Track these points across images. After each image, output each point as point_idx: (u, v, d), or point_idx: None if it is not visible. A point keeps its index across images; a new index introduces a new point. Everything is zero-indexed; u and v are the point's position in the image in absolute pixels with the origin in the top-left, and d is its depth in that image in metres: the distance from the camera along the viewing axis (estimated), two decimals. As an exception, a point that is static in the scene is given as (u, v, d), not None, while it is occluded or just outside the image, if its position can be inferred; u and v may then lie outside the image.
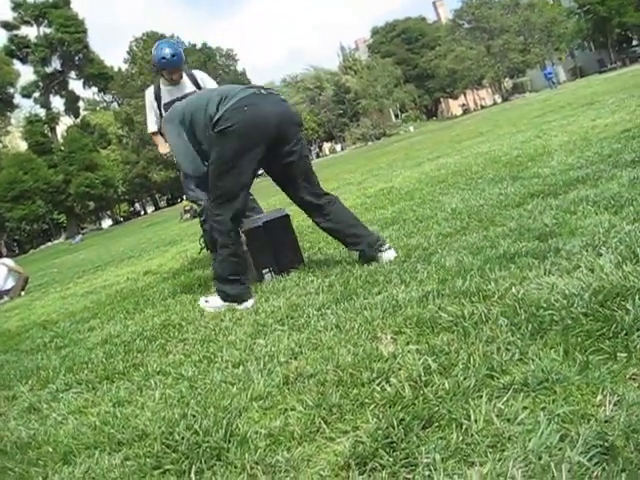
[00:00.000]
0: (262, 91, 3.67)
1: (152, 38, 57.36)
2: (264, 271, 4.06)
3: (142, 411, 2.27)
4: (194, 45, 63.67)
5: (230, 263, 3.62)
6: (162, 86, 5.49)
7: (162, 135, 5.46)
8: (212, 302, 3.70)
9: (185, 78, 5.48)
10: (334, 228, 3.79)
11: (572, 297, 2.05)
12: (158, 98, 5.50)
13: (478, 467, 1.35)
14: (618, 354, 1.65)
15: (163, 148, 5.46)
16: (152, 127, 5.67)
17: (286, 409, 1.95)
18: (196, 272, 5.57)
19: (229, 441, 1.82)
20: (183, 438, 1.89)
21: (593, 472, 1.23)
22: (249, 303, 3.55)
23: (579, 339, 1.78)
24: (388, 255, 3.59)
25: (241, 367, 2.46)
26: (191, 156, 3.71)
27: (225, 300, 3.64)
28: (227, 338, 2.95)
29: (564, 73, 64.20)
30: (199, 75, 5.59)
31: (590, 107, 10.88)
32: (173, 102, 5.44)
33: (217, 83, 5.73)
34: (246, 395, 2.12)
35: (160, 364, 2.86)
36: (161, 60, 5.29)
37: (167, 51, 5.26)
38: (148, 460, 1.85)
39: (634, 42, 61.62)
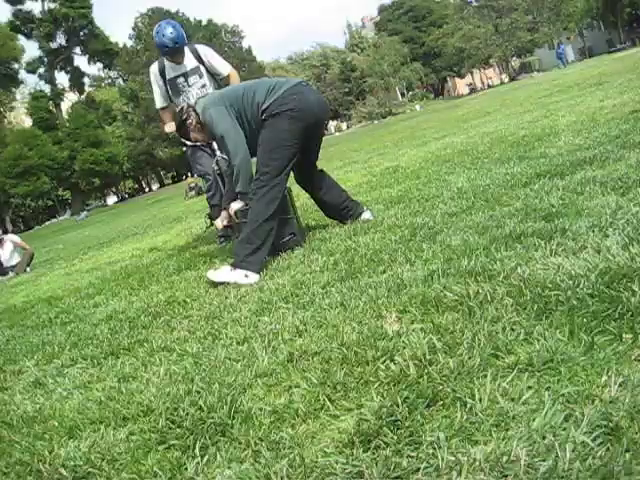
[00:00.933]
0: (303, 82, 4.09)
1: (157, 14, 56.83)
2: None
3: (147, 387, 2.28)
4: (200, 21, 63.12)
5: (264, 231, 3.76)
6: (166, 62, 5.51)
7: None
8: (219, 273, 3.74)
9: (188, 54, 5.49)
10: (332, 201, 4.34)
11: (578, 278, 2.05)
12: (163, 74, 5.51)
13: (482, 446, 1.36)
14: (624, 335, 1.65)
15: (168, 127, 5.45)
16: (160, 103, 5.68)
17: (290, 386, 1.95)
18: (201, 249, 5.58)
19: (233, 417, 1.83)
20: (188, 414, 1.90)
21: (597, 452, 1.23)
22: (256, 278, 3.59)
23: (585, 320, 1.78)
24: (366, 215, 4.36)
25: (246, 344, 2.46)
26: (244, 143, 3.88)
27: (241, 267, 3.66)
28: (232, 315, 2.96)
29: (572, 53, 63.57)
30: (202, 50, 5.58)
31: (598, 87, 10.79)
32: (177, 77, 5.46)
33: (223, 58, 5.73)
34: (250, 372, 2.13)
35: (165, 340, 2.87)
36: (163, 48, 5.32)
37: (168, 37, 5.25)
38: (153, 435, 1.86)
39: (644, 22, 60.87)
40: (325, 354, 2.09)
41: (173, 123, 5.12)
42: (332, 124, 73.95)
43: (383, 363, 1.88)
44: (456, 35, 64.68)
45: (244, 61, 60.40)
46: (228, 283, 3.62)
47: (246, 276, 3.61)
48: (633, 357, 1.55)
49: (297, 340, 2.34)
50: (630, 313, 1.73)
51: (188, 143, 5.38)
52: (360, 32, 78.29)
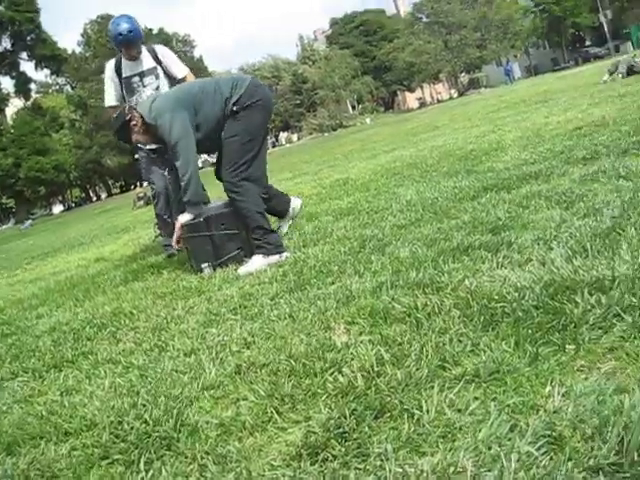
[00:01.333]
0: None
1: (107, 20, 56.04)
2: (203, 265, 4.02)
3: (90, 400, 2.23)
4: (150, 30, 62.54)
5: (263, 217, 3.93)
6: (123, 60, 5.38)
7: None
8: (254, 263, 3.78)
9: (145, 52, 5.39)
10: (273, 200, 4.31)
11: (523, 290, 2.08)
12: (119, 72, 5.38)
13: (429, 457, 1.36)
14: (567, 346, 1.68)
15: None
16: (111, 101, 5.49)
17: (238, 399, 1.93)
18: (149, 259, 5.50)
19: (179, 431, 1.80)
20: (132, 428, 1.86)
21: (541, 461, 1.24)
22: (287, 253, 3.80)
23: (530, 331, 1.81)
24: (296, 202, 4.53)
25: (193, 356, 2.43)
26: (195, 153, 3.93)
27: (270, 253, 3.81)
28: (179, 327, 2.92)
29: (519, 70, 65.12)
30: (160, 50, 5.50)
31: (544, 104, 11.07)
32: (134, 76, 5.34)
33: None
34: (197, 384, 2.10)
35: (110, 352, 2.81)
36: (118, 37, 5.18)
37: (124, 27, 5.15)
38: (96, 450, 1.82)
39: (587, 42, 62.88)
40: (273, 366, 2.08)
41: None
42: (283, 135, 74.10)
43: (331, 375, 1.88)
44: (406, 50, 65.58)
45: (196, 70, 60.08)
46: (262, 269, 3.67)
47: (280, 256, 3.81)
48: (576, 367, 1.58)
49: (245, 352, 2.32)
50: (573, 324, 1.77)
51: (145, 147, 5.31)
52: (312, 45, 78.64)
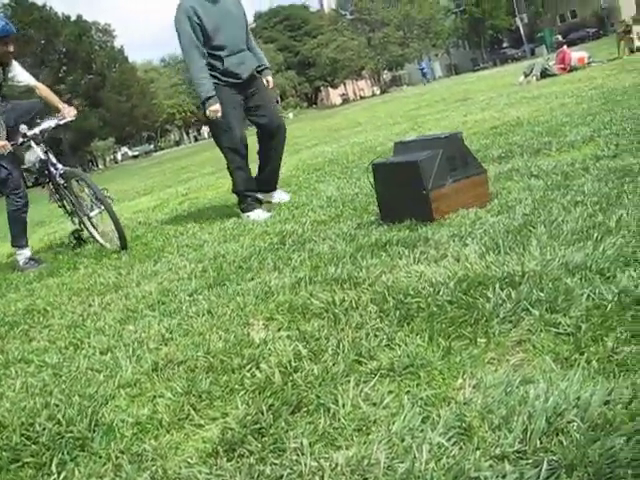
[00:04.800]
0: None
1: (21, 6, 53.88)
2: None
3: (0, 401, 2.16)
4: (68, 17, 60.49)
5: None
6: None
7: None
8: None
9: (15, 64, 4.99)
10: None
11: (438, 285, 2.14)
12: None
13: (344, 450, 1.38)
14: (478, 339, 1.74)
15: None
16: None
17: (154, 396, 1.91)
18: (64, 255, 5.35)
19: (94, 430, 1.76)
20: (44, 429, 1.81)
21: (451, 452, 1.28)
22: None
23: (443, 325, 1.86)
24: None
25: (109, 354, 2.38)
26: None
27: None
28: (95, 324, 2.86)
29: (440, 69, 66.60)
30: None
31: (462, 103, 11.36)
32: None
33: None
34: (113, 382, 2.06)
35: (22, 351, 2.72)
36: (5, 27, 4.76)
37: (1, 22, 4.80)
38: (5, 454, 1.76)
39: (504, 44, 64.92)
40: (191, 362, 2.06)
41: None
42: (205, 129, 73.03)
43: (249, 371, 1.88)
44: (330, 46, 66.00)
45: (115, 61, 58.70)
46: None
47: None
48: (486, 360, 1.64)
49: (162, 349, 2.29)
50: (484, 318, 1.83)
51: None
52: (236, 38, 77.99)
